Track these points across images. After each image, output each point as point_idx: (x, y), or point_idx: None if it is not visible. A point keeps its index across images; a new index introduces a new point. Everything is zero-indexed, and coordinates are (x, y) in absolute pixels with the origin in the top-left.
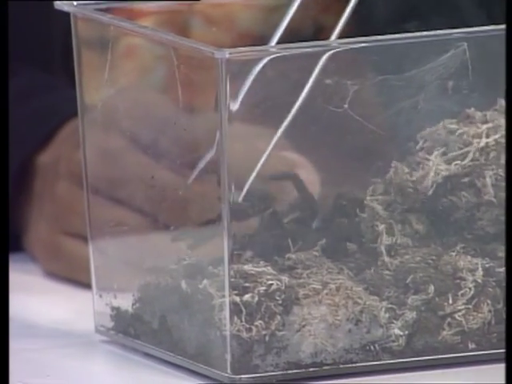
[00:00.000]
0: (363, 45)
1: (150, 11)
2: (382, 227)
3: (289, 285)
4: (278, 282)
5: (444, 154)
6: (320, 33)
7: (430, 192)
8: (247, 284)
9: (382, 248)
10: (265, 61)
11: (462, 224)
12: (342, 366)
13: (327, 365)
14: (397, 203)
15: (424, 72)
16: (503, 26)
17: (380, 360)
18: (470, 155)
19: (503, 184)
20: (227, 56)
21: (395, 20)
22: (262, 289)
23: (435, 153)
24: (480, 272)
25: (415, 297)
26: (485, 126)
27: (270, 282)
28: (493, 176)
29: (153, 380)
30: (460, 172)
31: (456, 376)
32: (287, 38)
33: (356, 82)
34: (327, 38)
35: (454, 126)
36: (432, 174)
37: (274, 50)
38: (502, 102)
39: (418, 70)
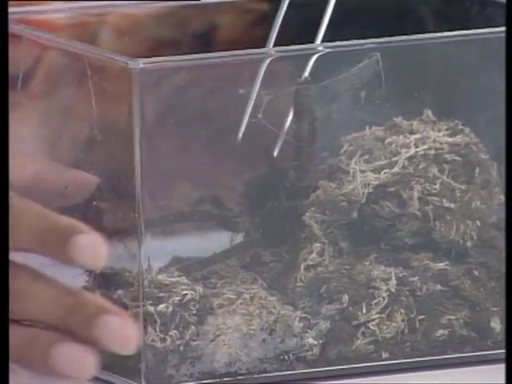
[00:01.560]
0: (279, 54)
1: (59, 25)
2: (316, 245)
3: (203, 295)
4: (193, 292)
5: (368, 161)
6: (214, 30)
7: (363, 201)
8: (161, 294)
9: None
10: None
11: (380, 234)
12: (256, 375)
13: (241, 374)
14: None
15: (337, 82)
16: (418, 36)
17: (294, 369)
18: (399, 164)
19: (429, 198)
20: (141, 66)
21: (310, 29)
22: (177, 299)
23: (356, 159)
24: (393, 281)
25: (329, 306)
26: (413, 137)
27: (185, 292)
28: (420, 189)
29: None
30: (388, 181)
31: None
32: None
33: (270, 91)
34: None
35: (380, 134)
36: (359, 183)
37: (188, 59)
38: (429, 113)
39: (330, 80)
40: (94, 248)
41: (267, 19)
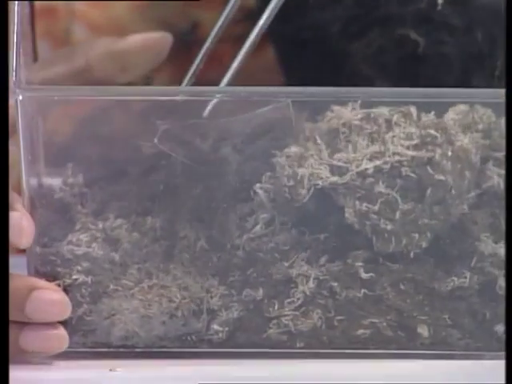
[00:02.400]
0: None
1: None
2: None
3: None
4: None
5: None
6: (197, 28)
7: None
8: None
9: None
10: None
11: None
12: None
13: None
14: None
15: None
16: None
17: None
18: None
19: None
20: (21, 97)
21: None
22: None
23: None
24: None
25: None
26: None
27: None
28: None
29: None
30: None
31: None
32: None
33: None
34: (204, 34)
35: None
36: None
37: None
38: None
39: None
40: (20, 225)
41: (251, 16)
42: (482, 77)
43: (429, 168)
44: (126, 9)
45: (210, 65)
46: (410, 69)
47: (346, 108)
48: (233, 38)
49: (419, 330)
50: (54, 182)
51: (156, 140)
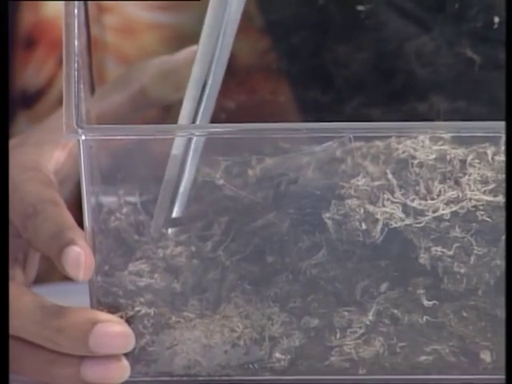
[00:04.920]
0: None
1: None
2: None
3: None
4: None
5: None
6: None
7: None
8: None
9: None
10: None
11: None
12: None
13: None
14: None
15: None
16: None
17: None
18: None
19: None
20: (83, 137)
21: None
22: None
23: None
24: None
25: None
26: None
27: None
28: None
29: None
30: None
31: None
32: None
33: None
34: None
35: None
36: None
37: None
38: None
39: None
40: (79, 260)
41: (281, 45)
42: None
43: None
44: (156, 39)
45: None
46: (466, 85)
47: (415, 143)
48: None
49: (482, 355)
50: (112, 206)
51: (218, 176)
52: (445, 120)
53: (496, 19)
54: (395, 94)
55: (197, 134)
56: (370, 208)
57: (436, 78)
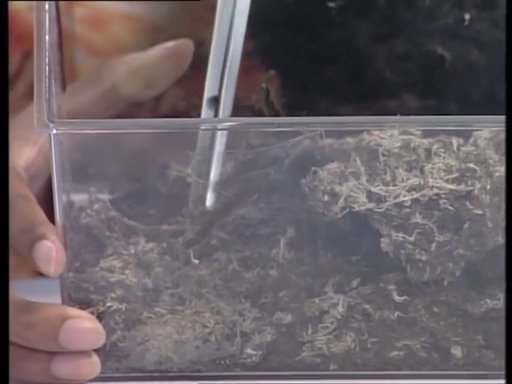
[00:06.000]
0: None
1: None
2: None
3: None
4: None
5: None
6: (203, 47)
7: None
8: None
9: None
10: None
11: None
12: None
13: None
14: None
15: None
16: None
17: None
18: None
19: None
20: (54, 131)
21: None
22: None
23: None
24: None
25: None
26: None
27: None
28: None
29: None
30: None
31: None
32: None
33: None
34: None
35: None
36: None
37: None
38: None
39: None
40: (50, 255)
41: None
42: None
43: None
44: (126, 31)
45: None
46: (437, 83)
47: (385, 133)
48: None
49: (453, 350)
50: (83, 203)
51: (189, 170)
52: None
53: (467, 16)
54: (366, 92)
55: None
56: (337, 187)
57: (407, 76)
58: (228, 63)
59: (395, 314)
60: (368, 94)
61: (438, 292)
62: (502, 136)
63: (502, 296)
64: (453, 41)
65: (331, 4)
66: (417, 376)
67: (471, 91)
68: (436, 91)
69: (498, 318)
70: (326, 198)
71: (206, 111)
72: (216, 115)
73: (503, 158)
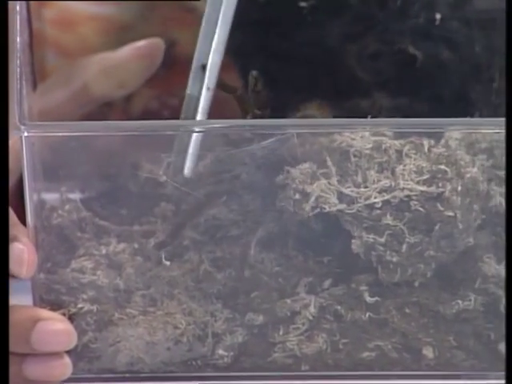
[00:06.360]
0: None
1: None
2: None
3: None
4: None
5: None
6: (174, 47)
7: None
8: None
9: None
10: None
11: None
12: None
13: None
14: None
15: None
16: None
17: None
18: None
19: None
20: (26, 134)
21: None
22: None
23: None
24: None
25: None
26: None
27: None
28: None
29: None
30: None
31: None
32: None
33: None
34: (182, 53)
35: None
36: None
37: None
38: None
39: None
40: (22, 257)
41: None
42: (480, 90)
43: (438, 204)
44: (95, 31)
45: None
46: (408, 82)
47: (356, 134)
48: None
49: (424, 351)
50: (54, 204)
51: (161, 172)
52: (387, 116)
53: (437, 16)
54: (338, 91)
55: (135, 132)
56: (308, 187)
57: (378, 75)
58: (217, 31)
59: (367, 315)
60: (339, 93)
61: (409, 293)
62: (474, 137)
63: (473, 297)
64: (424, 40)
65: (303, 4)
66: (388, 376)
67: (442, 90)
68: (407, 90)
69: (470, 319)
70: (298, 196)
71: (193, 80)
72: (202, 85)
73: (475, 159)
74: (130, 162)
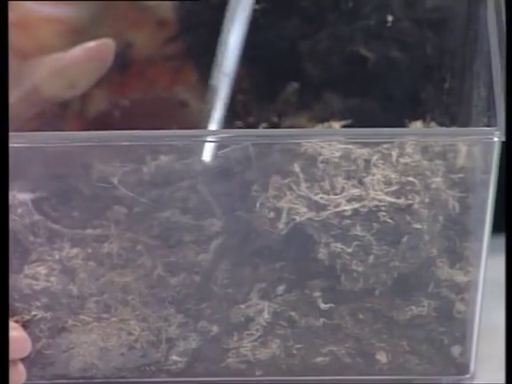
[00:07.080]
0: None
1: None
2: None
3: None
4: None
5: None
6: (129, 49)
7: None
8: None
9: None
10: None
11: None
12: None
13: None
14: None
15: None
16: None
17: None
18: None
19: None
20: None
21: None
22: None
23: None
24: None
25: None
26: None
27: None
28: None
29: None
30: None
31: None
32: None
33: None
34: (137, 55)
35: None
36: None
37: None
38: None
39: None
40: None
41: (180, 35)
42: (431, 90)
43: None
44: (52, 34)
45: (140, 85)
46: (360, 83)
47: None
48: (164, 58)
49: (378, 356)
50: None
51: (116, 181)
52: (338, 118)
53: (389, 17)
54: (289, 93)
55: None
56: (278, 203)
57: (329, 76)
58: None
59: (320, 321)
60: (290, 95)
61: (363, 299)
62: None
63: (426, 302)
64: (375, 41)
65: (255, 6)
66: (342, 381)
67: (394, 91)
68: (359, 91)
69: (423, 325)
70: (271, 214)
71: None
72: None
73: (436, 168)
74: (81, 161)
